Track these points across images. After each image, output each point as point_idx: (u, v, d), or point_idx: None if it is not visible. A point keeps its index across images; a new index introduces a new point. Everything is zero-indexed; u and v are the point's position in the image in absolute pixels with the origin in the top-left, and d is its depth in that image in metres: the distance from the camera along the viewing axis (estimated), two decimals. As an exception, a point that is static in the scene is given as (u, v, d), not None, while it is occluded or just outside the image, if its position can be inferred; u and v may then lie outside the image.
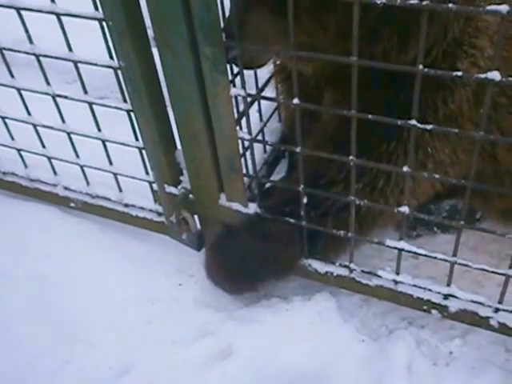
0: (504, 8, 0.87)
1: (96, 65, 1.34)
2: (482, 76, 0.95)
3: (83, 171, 1.66)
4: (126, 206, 1.67)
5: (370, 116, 1.09)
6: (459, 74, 0.99)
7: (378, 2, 0.96)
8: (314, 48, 1.25)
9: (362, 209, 1.36)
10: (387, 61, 1.24)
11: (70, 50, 1.37)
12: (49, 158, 1.70)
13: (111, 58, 1.31)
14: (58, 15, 1.30)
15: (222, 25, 1.15)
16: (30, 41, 1.43)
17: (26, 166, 1.78)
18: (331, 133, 1.35)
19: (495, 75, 0.94)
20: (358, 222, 1.36)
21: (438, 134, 1.36)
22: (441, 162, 1.41)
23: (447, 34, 1.27)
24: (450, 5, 0.93)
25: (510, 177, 1.55)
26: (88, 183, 1.69)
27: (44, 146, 1.68)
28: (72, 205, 1.75)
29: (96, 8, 1.23)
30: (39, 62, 1.44)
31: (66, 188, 1.74)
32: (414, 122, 1.05)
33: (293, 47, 1.06)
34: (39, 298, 1.59)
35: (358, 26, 0.97)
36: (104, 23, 1.23)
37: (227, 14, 1.31)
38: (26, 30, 1.41)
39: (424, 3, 0.92)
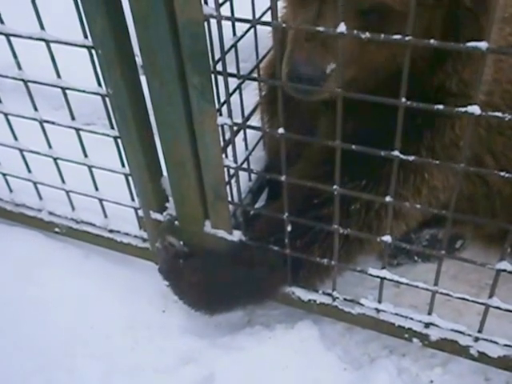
0: (483, 45, 0.91)
1: (84, 92, 1.36)
2: (462, 110, 0.98)
3: (69, 197, 1.66)
4: (111, 231, 1.66)
5: (353, 146, 1.11)
6: (440, 107, 1.02)
7: (363, 37, 0.99)
8: None
9: (350, 235, 1.37)
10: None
11: (59, 76, 1.39)
12: (34, 183, 1.69)
13: (99, 85, 1.33)
14: (47, 42, 1.32)
15: (210, 55, 1.18)
16: (19, 67, 1.44)
17: (11, 190, 1.78)
18: (328, 151, 1.36)
19: (475, 109, 0.97)
20: (346, 248, 1.38)
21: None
22: (434, 188, 1.43)
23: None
24: (432, 41, 0.96)
25: (501, 199, 1.58)
26: (73, 208, 1.69)
27: (30, 171, 1.68)
28: (57, 230, 1.74)
29: (86, 36, 1.25)
30: (27, 87, 1.46)
31: (50, 213, 1.74)
32: (396, 152, 1.08)
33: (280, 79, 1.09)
34: (21, 323, 1.57)
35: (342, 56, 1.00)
36: (93, 51, 1.25)
37: (215, 44, 1.33)
38: (15, 56, 1.43)
39: (407, 39, 0.95)
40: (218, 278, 1.42)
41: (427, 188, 1.42)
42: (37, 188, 1.71)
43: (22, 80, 1.44)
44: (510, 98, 1.45)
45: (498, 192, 1.57)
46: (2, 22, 1.37)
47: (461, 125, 1.37)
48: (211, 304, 1.46)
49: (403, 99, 1.01)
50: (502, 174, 1.05)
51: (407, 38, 0.95)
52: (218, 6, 1.16)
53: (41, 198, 1.74)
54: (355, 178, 1.35)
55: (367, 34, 0.98)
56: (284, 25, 1.06)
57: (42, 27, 1.31)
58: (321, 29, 1.00)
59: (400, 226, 1.45)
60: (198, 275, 1.43)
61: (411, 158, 1.09)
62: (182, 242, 1.56)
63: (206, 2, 1.29)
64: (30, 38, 1.33)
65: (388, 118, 1.28)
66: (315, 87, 1.13)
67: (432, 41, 0.96)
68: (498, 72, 1.44)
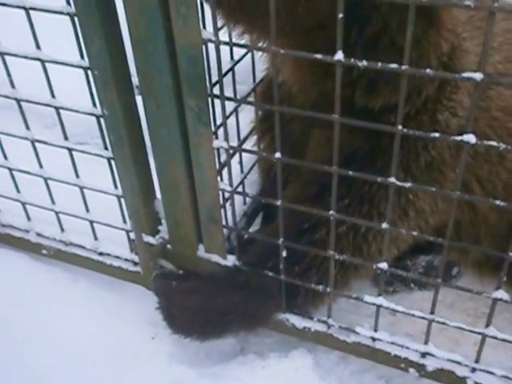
0: (478, 76, 0.91)
1: (78, 112, 1.35)
2: (458, 138, 0.98)
3: (58, 218, 1.63)
4: (101, 254, 1.63)
5: (350, 172, 1.11)
6: (436, 135, 1.02)
7: (360, 65, 0.99)
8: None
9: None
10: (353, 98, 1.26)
11: (53, 95, 1.37)
12: (23, 204, 1.66)
13: (94, 105, 1.31)
14: (42, 62, 1.31)
15: (207, 78, 1.17)
16: (12, 85, 1.42)
17: (-2, 210, 1.75)
18: (316, 172, 1.36)
19: (470, 138, 0.97)
20: (342, 272, 1.36)
21: (419, 182, 1.37)
22: (422, 210, 1.42)
23: (421, 94, 1.31)
24: (428, 70, 0.97)
25: (486, 226, 1.58)
26: (62, 230, 1.66)
27: (19, 191, 1.65)
28: (44, 252, 1.69)
29: (82, 56, 1.24)
30: (20, 107, 1.44)
31: (38, 234, 1.69)
32: (393, 179, 1.07)
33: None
34: (3, 350, 1.51)
35: (340, 87, 1.00)
36: (89, 71, 1.24)
37: (213, 67, 1.34)
38: (9, 75, 1.41)
39: (403, 68, 0.95)
40: (210, 303, 1.39)
41: (414, 210, 1.42)
42: (25, 208, 1.67)
43: (16, 99, 1.42)
44: (499, 126, 1.47)
45: (484, 219, 1.58)
46: (-3, 41, 1.36)
47: (434, 146, 1.37)
48: (203, 330, 1.42)
49: (400, 127, 1.01)
50: (497, 202, 1.05)
51: (404, 67, 0.95)
52: (217, 30, 1.16)
53: (29, 218, 1.70)
54: (338, 199, 1.34)
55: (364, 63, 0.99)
56: (282, 51, 1.05)
57: (38, 46, 1.30)
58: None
59: (391, 250, 1.44)
60: (191, 300, 1.40)
61: (407, 184, 1.09)
62: (172, 266, 1.53)
63: (204, 26, 1.29)
64: (26, 57, 1.32)
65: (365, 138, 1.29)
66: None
67: (428, 70, 0.97)
68: (484, 100, 1.45)
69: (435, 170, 1.38)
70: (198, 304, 1.40)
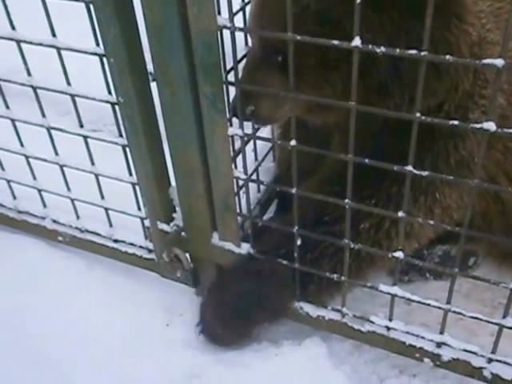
0: (499, 62, 0.89)
1: (94, 99, 1.35)
2: (478, 126, 0.96)
3: (74, 205, 1.64)
4: (116, 241, 1.64)
5: (366, 160, 1.09)
6: (455, 122, 1.00)
7: (378, 51, 0.98)
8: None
9: (361, 250, 1.35)
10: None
11: (69, 83, 1.37)
12: (39, 191, 1.67)
13: (109, 93, 1.31)
14: (58, 49, 1.31)
15: (222, 65, 1.16)
16: (28, 73, 1.43)
17: (14, 197, 1.76)
18: (339, 170, 1.35)
19: (490, 126, 0.95)
20: (357, 263, 1.35)
21: (448, 181, 1.37)
22: (448, 207, 1.42)
23: (458, 89, 1.30)
24: (447, 56, 0.95)
25: None
26: (78, 217, 1.67)
27: (35, 178, 1.66)
28: (60, 239, 1.71)
29: (97, 44, 1.24)
30: (36, 94, 1.44)
31: (54, 221, 1.71)
32: (410, 167, 1.06)
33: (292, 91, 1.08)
34: (21, 333, 1.54)
35: (357, 73, 0.99)
36: (104, 59, 1.24)
37: (228, 54, 1.32)
38: (25, 63, 1.42)
39: (422, 54, 0.93)
40: (225, 297, 1.41)
41: (440, 208, 1.41)
42: (41, 195, 1.69)
43: (31, 86, 1.43)
44: None
45: None
46: (14, 28, 1.35)
47: (464, 146, 1.36)
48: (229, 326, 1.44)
49: (418, 114, 0.99)
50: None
51: (423, 53, 0.93)
52: (232, 16, 1.15)
53: (45, 205, 1.71)
54: (364, 198, 1.35)
55: (382, 49, 0.97)
56: (298, 37, 1.03)
57: (54, 34, 1.30)
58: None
59: (412, 245, 1.44)
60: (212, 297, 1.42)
61: (425, 173, 1.07)
62: (187, 254, 1.54)
63: (219, 12, 1.28)
64: (41, 44, 1.32)
65: (395, 138, 1.27)
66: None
67: (448, 57, 0.95)
68: None
69: (465, 168, 1.37)
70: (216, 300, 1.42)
